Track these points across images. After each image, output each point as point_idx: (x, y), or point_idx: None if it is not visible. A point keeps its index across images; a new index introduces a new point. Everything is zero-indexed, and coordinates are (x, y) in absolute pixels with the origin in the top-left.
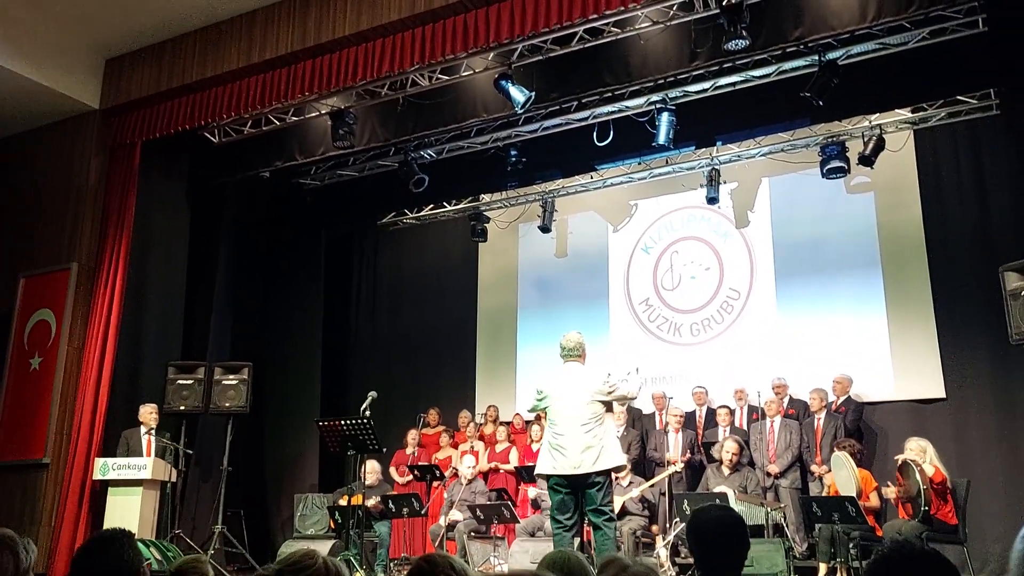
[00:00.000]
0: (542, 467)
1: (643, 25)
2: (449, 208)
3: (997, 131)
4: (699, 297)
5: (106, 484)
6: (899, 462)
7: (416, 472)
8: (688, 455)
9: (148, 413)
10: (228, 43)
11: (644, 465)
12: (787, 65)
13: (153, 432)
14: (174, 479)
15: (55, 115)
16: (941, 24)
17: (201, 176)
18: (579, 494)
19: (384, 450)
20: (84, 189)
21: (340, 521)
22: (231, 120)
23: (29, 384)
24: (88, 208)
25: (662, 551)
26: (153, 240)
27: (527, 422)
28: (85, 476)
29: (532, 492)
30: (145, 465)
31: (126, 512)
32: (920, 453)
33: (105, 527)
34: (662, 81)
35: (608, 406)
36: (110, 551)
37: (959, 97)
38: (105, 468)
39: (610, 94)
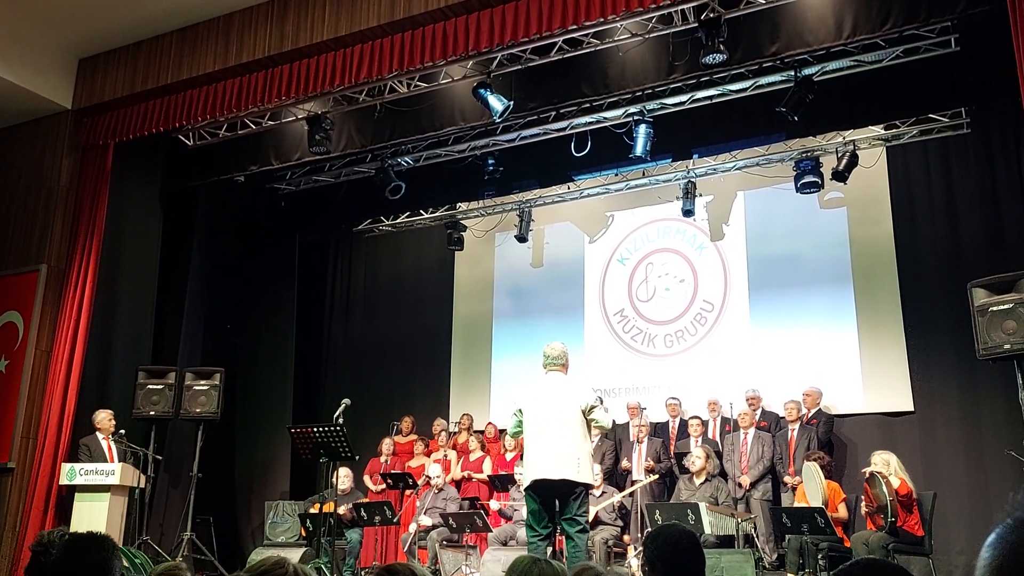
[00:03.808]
0: (527, 477)
1: (622, 37)
2: (425, 216)
3: (968, 150)
4: (673, 309)
5: (72, 490)
6: (867, 475)
7: (389, 480)
8: (652, 464)
9: (105, 419)
10: (204, 45)
11: (617, 475)
12: (763, 80)
13: (112, 437)
14: (142, 485)
15: (26, 115)
16: (915, 43)
17: (174, 179)
18: (555, 502)
19: (357, 458)
20: (55, 190)
21: (311, 529)
22: (206, 123)
23: None
24: (59, 209)
25: (633, 560)
26: (124, 243)
27: (501, 431)
28: (51, 481)
29: (495, 504)
30: (113, 471)
31: (93, 518)
32: (885, 465)
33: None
34: (640, 93)
35: (587, 424)
36: (93, 555)
37: (931, 115)
38: (72, 473)
39: (588, 105)
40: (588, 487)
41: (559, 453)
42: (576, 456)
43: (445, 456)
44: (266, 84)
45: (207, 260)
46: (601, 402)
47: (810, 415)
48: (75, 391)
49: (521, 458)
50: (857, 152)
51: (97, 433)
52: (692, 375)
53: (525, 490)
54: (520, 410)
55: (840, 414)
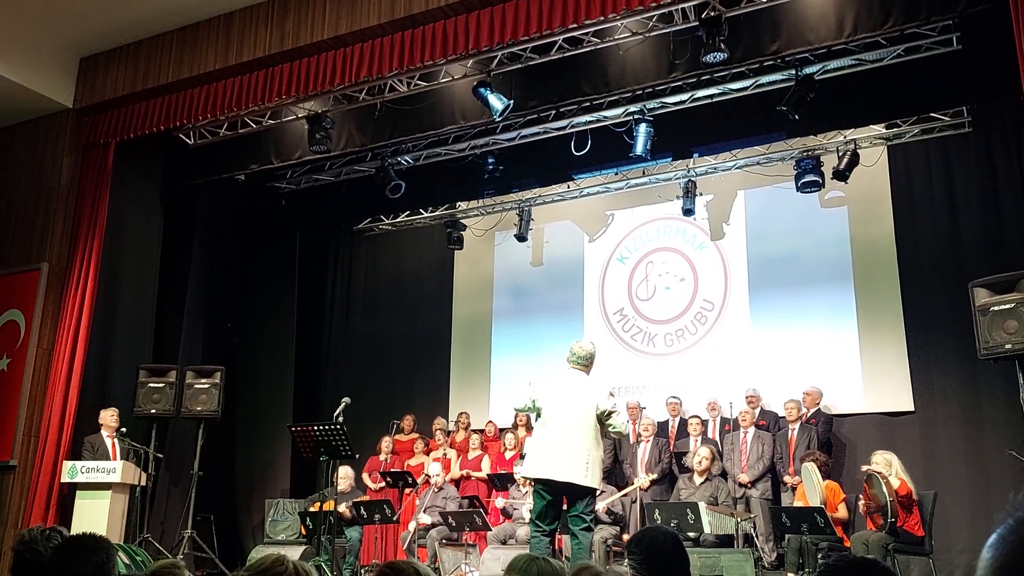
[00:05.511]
0: (532, 470)
1: (622, 35)
2: (425, 215)
3: (969, 149)
4: (673, 308)
5: (74, 487)
6: (867, 475)
7: (388, 479)
8: (657, 469)
9: (109, 416)
10: (205, 44)
11: (616, 474)
12: (764, 79)
13: (116, 435)
14: (144, 483)
15: (27, 113)
16: (916, 42)
17: (175, 178)
18: (562, 500)
19: (357, 456)
20: (56, 189)
21: (311, 527)
22: (207, 122)
23: None
24: (60, 208)
25: None
26: (125, 241)
27: (501, 430)
28: (53, 479)
29: (500, 502)
30: (115, 468)
31: (94, 516)
32: (886, 466)
33: (73, 531)
34: (640, 92)
35: (601, 425)
36: (96, 555)
37: (932, 114)
38: (74, 471)
39: (588, 104)
40: (595, 491)
41: (568, 454)
42: (585, 460)
43: (444, 455)
44: (266, 83)
45: (208, 259)
46: (613, 401)
47: (809, 415)
48: (76, 389)
49: (522, 457)
50: (858, 151)
51: (102, 431)
52: (692, 374)
53: (535, 488)
54: (540, 396)
55: (840, 414)
